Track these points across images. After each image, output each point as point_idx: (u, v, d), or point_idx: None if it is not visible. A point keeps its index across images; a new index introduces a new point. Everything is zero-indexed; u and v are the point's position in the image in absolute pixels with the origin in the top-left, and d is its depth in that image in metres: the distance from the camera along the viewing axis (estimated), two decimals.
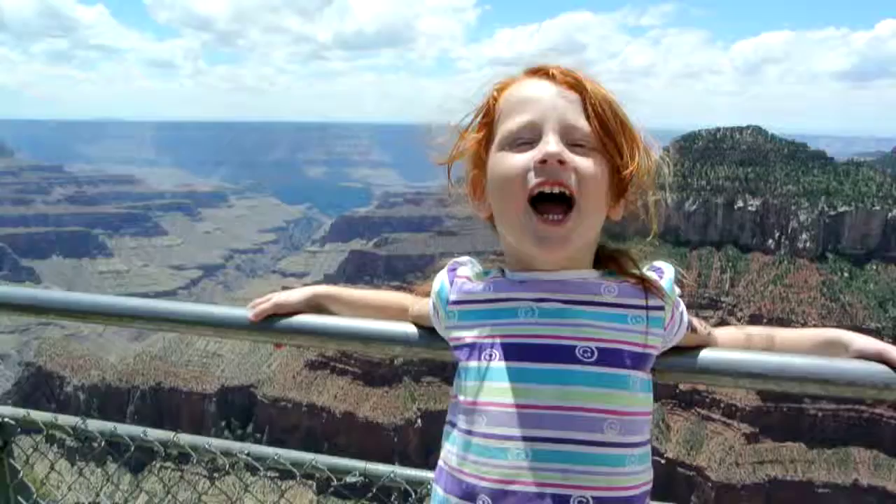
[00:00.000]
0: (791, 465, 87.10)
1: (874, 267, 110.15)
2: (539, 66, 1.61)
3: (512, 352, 1.54)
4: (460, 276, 1.74)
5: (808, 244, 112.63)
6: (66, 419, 2.94)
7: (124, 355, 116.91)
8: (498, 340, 1.57)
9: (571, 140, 1.52)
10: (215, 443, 2.91)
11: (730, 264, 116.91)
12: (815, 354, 1.72)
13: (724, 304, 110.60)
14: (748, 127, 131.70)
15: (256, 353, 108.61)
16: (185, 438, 2.83)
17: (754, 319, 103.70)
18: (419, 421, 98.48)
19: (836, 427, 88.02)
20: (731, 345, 1.80)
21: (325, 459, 2.72)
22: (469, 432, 1.57)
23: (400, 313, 2.03)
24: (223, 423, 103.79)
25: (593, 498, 1.46)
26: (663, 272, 1.67)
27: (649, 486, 1.56)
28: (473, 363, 1.60)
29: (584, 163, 1.50)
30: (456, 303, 1.70)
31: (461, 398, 1.62)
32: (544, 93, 1.56)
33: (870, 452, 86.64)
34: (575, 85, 1.56)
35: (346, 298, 2.12)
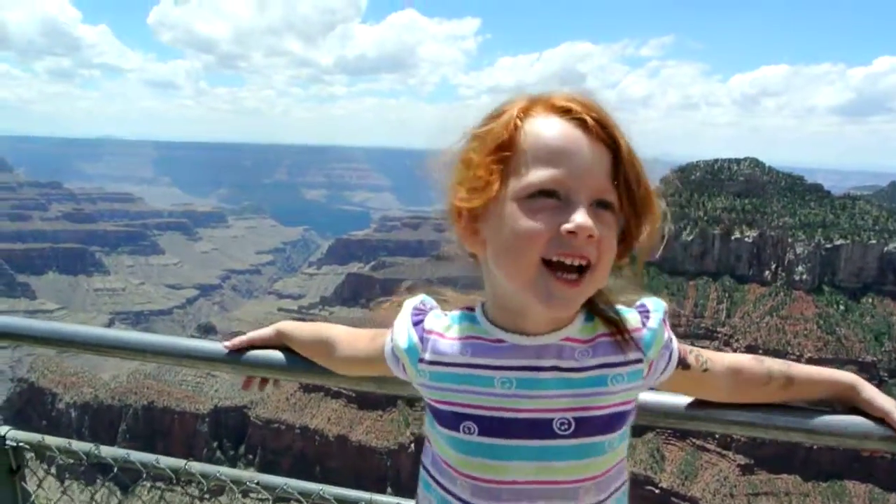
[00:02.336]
0: (786, 498, 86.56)
1: (870, 300, 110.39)
2: (568, 103, 1.42)
3: (489, 427, 1.47)
4: (429, 330, 1.58)
5: (804, 276, 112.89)
6: (79, 445, 2.98)
7: (118, 373, 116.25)
8: (475, 412, 1.48)
9: (596, 201, 1.38)
10: (225, 471, 2.91)
11: (726, 295, 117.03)
12: (827, 395, 1.76)
13: (720, 335, 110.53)
14: (745, 159, 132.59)
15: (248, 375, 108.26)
16: (196, 467, 2.88)
17: (750, 350, 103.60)
18: (412, 446, 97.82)
19: (831, 460, 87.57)
20: (747, 377, 1.72)
21: (332, 490, 2.72)
22: (451, 493, 1.55)
23: (353, 359, 1.88)
24: (215, 444, 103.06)
25: None
26: (649, 313, 1.56)
27: None
28: (450, 432, 1.52)
29: (608, 233, 1.38)
30: (428, 363, 1.56)
31: (439, 455, 1.58)
32: (578, 148, 1.38)
33: (865, 486, 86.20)
34: (609, 143, 1.40)
35: (299, 339, 2.05)
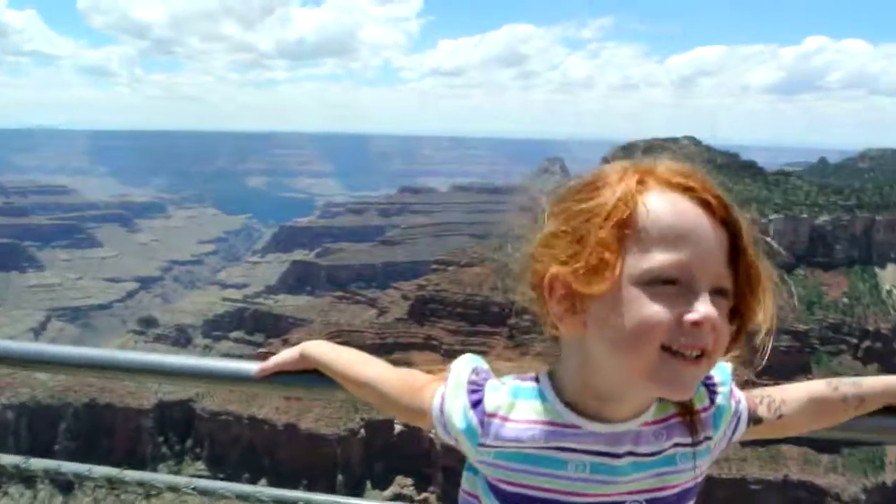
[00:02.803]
0: (725, 464, 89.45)
1: (801, 272, 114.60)
2: (687, 180, 1.33)
3: None
4: (491, 413, 1.44)
5: None
6: (8, 459, 2.95)
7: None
8: (544, 495, 1.39)
9: (717, 289, 1.29)
10: (161, 478, 2.95)
11: None
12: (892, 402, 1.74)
13: None
14: (683, 137, 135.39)
15: None
16: (131, 475, 2.90)
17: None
18: (363, 431, 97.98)
19: None
20: (822, 409, 1.71)
21: (268, 491, 2.79)
22: None
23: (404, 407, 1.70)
24: (161, 439, 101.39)
25: None
26: (716, 387, 1.52)
27: None
28: None
29: (723, 322, 1.29)
30: (492, 446, 1.43)
31: None
32: (702, 230, 1.28)
33: (799, 449, 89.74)
34: (730, 223, 1.32)
35: (333, 370, 1.90)
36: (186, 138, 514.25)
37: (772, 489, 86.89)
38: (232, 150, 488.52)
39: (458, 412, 1.46)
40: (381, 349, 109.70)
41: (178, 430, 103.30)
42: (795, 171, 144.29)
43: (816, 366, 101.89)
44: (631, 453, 1.40)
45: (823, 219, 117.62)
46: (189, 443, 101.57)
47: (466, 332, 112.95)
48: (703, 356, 1.27)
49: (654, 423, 1.43)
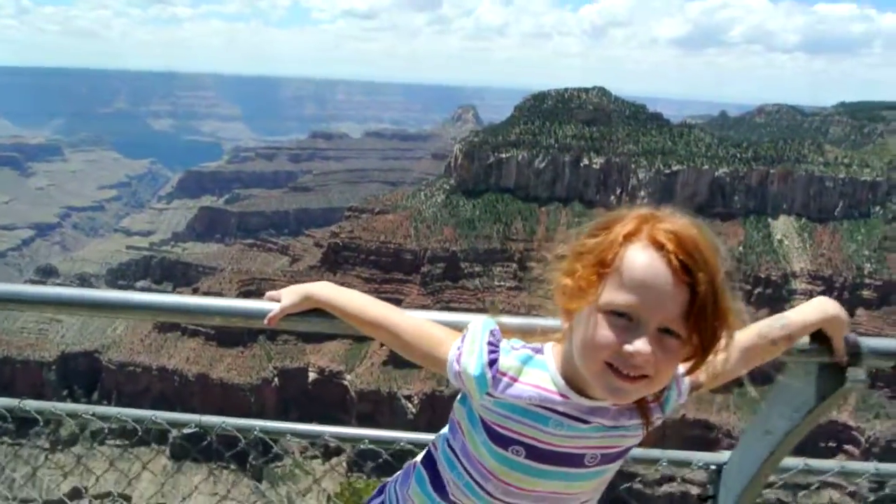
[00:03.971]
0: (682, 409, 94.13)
1: (702, 222, 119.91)
2: (666, 240, 1.69)
3: (534, 454, 1.86)
4: (503, 371, 1.86)
5: (645, 200, 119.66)
6: None
7: None
8: (525, 440, 1.86)
9: (665, 329, 1.67)
10: (60, 406, 3.17)
11: (576, 219, 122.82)
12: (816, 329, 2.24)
13: None
14: (594, 88, 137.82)
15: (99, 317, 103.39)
16: (31, 404, 3.12)
17: None
18: (276, 380, 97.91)
19: None
20: (756, 353, 2.14)
21: (163, 415, 3.06)
22: (481, 486, 1.96)
23: (428, 355, 2.07)
24: (65, 392, 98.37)
25: None
26: (680, 377, 1.94)
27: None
28: (498, 449, 1.89)
29: (667, 356, 1.67)
30: (496, 398, 1.87)
31: (475, 455, 1.95)
32: (659, 284, 1.65)
33: (767, 394, 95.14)
34: (689, 283, 1.65)
35: (356, 311, 2.22)
36: (83, 76, 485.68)
37: (668, 428, 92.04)
38: (133, 91, 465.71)
39: (474, 365, 1.88)
40: None
41: (83, 383, 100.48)
42: (698, 124, 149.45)
43: None
44: (600, 422, 1.86)
45: (723, 170, 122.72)
46: (95, 395, 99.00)
47: (380, 280, 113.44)
48: (645, 377, 1.68)
49: (625, 408, 1.87)
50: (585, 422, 1.84)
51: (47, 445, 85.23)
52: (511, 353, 1.89)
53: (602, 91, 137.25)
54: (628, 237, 1.72)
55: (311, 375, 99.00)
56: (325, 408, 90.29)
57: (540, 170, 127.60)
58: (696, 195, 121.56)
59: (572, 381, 1.84)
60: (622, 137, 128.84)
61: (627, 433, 1.90)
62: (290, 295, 2.31)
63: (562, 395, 1.84)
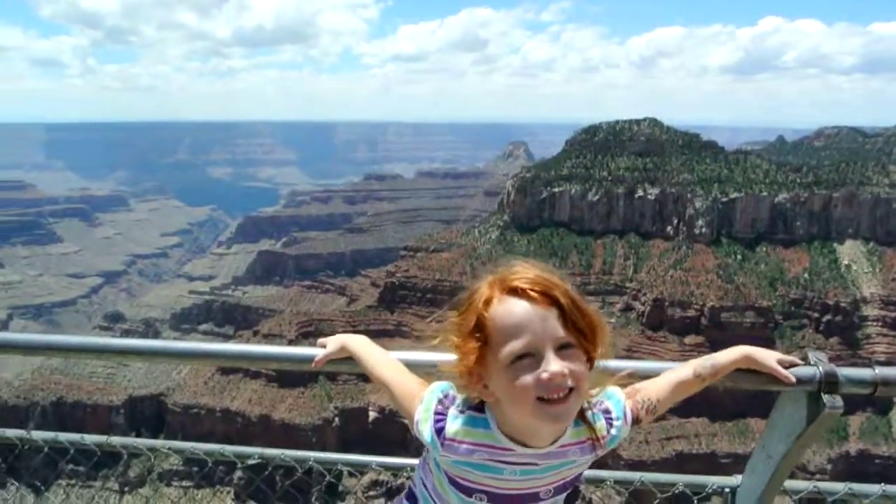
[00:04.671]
0: (696, 439, 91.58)
1: (764, 249, 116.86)
2: (519, 283, 2.03)
3: (496, 499, 2.18)
4: (450, 438, 2.19)
5: (703, 230, 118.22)
6: (12, 432, 3.44)
7: (21, 371, 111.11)
8: (487, 489, 2.18)
9: (561, 346, 1.99)
10: (140, 441, 3.59)
11: (632, 251, 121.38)
12: (738, 367, 2.75)
13: (628, 290, 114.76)
14: (645, 119, 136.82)
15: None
16: (116, 440, 3.52)
17: (657, 303, 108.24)
18: (336, 419, 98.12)
19: (734, 401, 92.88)
20: (685, 388, 2.61)
21: (229, 448, 3.66)
22: None
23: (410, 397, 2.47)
24: (133, 434, 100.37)
25: None
26: (612, 420, 2.27)
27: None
28: (463, 496, 2.23)
29: (575, 365, 2.00)
30: (449, 456, 2.22)
31: (442, 494, 2.29)
32: (533, 317, 1.98)
33: (765, 421, 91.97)
34: (552, 302, 2.00)
35: (368, 368, 2.74)
36: (145, 130, 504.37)
37: (742, 462, 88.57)
38: (193, 141, 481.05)
39: (426, 433, 2.22)
40: None
41: (149, 426, 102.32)
42: (754, 150, 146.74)
43: (780, 340, 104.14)
44: (549, 458, 2.17)
45: (783, 196, 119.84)
46: (162, 437, 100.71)
47: (437, 319, 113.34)
48: (571, 392, 2.00)
49: (571, 444, 2.18)
50: (537, 464, 2.14)
51: (116, 487, 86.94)
52: (457, 420, 2.19)
53: (654, 122, 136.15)
54: (487, 303, 2.04)
55: (372, 414, 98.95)
56: (386, 445, 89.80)
57: (594, 203, 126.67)
58: (756, 222, 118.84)
59: (513, 436, 2.12)
60: (677, 167, 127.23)
61: (574, 465, 2.20)
62: (333, 343, 2.87)
63: (507, 450, 2.13)
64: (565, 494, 2.28)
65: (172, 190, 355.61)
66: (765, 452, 2.94)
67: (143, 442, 3.57)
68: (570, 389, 1.99)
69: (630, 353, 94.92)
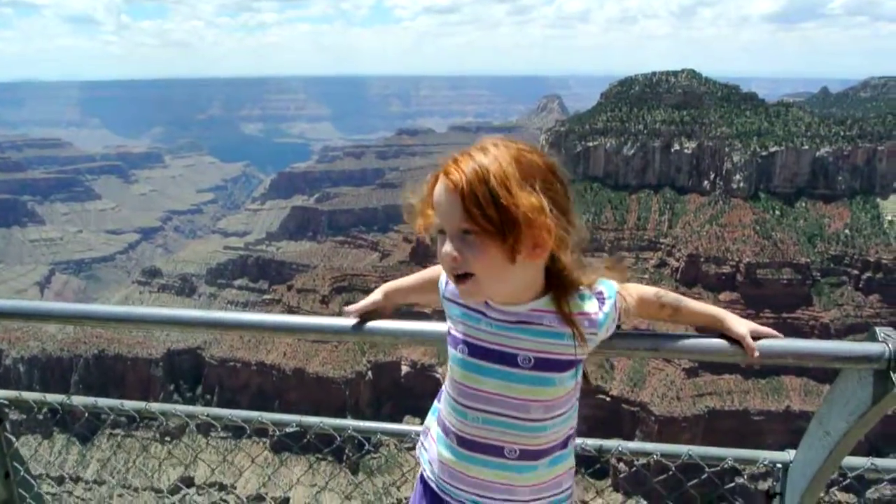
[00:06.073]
0: (728, 397, 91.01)
1: (803, 204, 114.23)
2: (447, 166, 2.12)
3: (474, 350, 2.27)
4: (448, 281, 2.36)
5: (741, 184, 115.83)
6: (53, 397, 3.58)
7: (63, 325, 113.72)
8: (467, 339, 2.28)
9: (461, 231, 2.08)
10: (180, 408, 3.57)
11: (667, 206, 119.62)
12: (705, 324, 2.49)
13: (663, 245, 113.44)
14: (683, 70, 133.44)
15: None
16: (156, 406, 3.57)
17: (692, 259, 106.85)
18: (369, 374, 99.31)
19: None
20: (647, 303, 2.48)
21: (267, 416, 3.46)
22: (453, 399, 2.35)
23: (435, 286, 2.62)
24: (171, 387, 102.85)
25: (519, 449, 2.28)
26: (605, 300, 2.29)
27: (568, 434, 2.37)
28: (453, 350, 2.34)
29: (474, 251, 2.07)
30: (447, 299, 2.40)
31: (450, 375, 2.37)
32: (442, 200, 2.10)
33: (800, 380, 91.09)
34: (456, 190, 2.06)
35: (404, 288, 2.85)
36: (179, 86, 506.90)
37: (774, 419, 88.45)
38: (226, 97, 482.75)
39: (442, 283, 2.46)
40: None
41: (187, 378, 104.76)
42: (796, 102, 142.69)
43: (818, 297, 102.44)
44: (521, 322, 2.21)
45: (825, 150, 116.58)
46: (199, 390, 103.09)
47: None
48: (470, 276, 2.11)
49: (543, 311, 2.22)
50: (510, 322, 2.21)
51: (157, 437, 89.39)
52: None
53: (692, 73, 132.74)
54: (435, 178, 2.18)
55: (404, 369, 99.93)
56: (417, 399, 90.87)
57: (629, 157, 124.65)
58: (796, 176, 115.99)
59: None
60: (715, 120, 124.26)
61: (561, 342, 2.21)
62: (364, 301, 2.88)
63: (484, 305, 2.27)
64: (556, 384, 2.24)
65: (206, 146, 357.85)
66: (822, 429, 2.66)
67: (182, 409, 3.56)
68: (469, 275, 2.11)
69: None
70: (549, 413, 2.26)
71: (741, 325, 2.44)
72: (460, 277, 2.14)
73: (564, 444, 2.38)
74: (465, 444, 2.34)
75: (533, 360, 2.20)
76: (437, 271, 2.58)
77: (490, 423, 2.27)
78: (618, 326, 2.38)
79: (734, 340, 2.44)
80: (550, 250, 2.13)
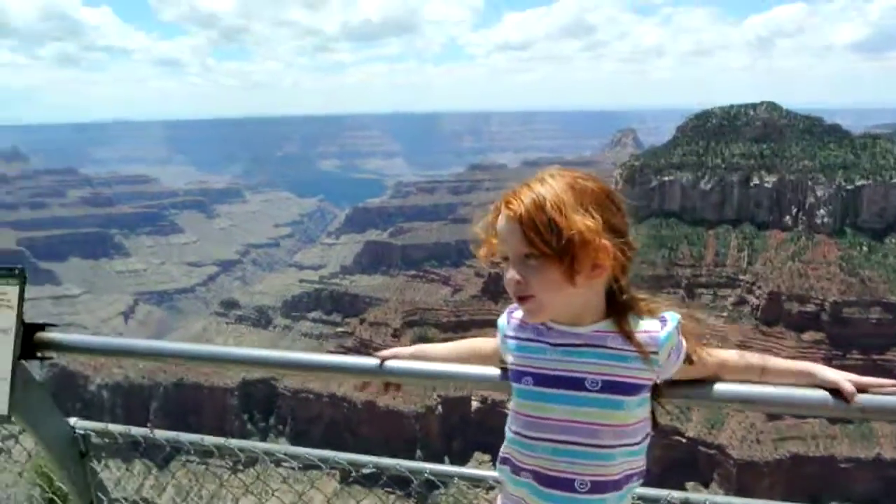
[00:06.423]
0: (813, 441, 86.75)
1: (893, 241, 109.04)
2: (505, 197, 2.27)
3: (540, 380, 2.29)
4: (514, 317, 2.45)
5: (825, 219, 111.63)
6: (137, 430, 3.70)
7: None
8: (532, 370, 2.31)
9: (524, 255, 2.20)
10: (260, 445, 3.69)
11: (747, 242, 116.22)
12: (796, 381, 2.39)
13: (742, 283, 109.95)
14: (762, 103, 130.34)
15: (275, 346, 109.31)
16: (234, 443, 3.67)
17: (773, 297, 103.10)
18: (440, 408, 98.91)
19: None
20: (730, 369, 2.45)
21: (343, 456, 3.48)
22: (517, 433, 2.34)
23: (477, 357, 2.77)
24: (246, 417, 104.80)
25: (590, 482, 2.24)
26: (667, 322, 2.28)
27: (637, 469, 2.31)
28: (517, 384, 2.35)
29: (534, 273, 2.19)
30: (509, 337, 2.44)
31: (512, 409, 2.38)
32: (503, 229, 2.24)
33: (892, 427, 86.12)
34: (515, 217, 2.19)
35: (436, 354, 2.86)
36: (259, 124, 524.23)
37: (863, 467, 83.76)
38: (303, 135, 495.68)
39: (501, 321, 2.53)
40: (456, 326, 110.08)
41: (261, 408, 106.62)
42: (884, 134, 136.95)
43: None
44: (586, 345, 2.26)
45: None
46: (272, 420, 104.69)
47: None
48: (530, 298, 2.23)
49: (605, 332, 2.26)
50: (575, 346, 2.26)
51: (230, 464, 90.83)
52: (517, 308, 2.41)
53: (772, 105, 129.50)
54: (497, 209, 2.30)
55: (474, 404, 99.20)
56: (487, 435, 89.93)
57: (706, 191, 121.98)
58: (885, 211, 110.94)
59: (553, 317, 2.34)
60: (796, 153, 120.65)
61: (626, 364, 2.23)
62: (396, 349, 2.93)
63: (548, 330, 2.33)
64: (625, 407, 2.23)
65: (283, 182, 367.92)
66: None
67: (261, 446, 3.68)
68: (530, 296, 2.22)
69: (743, 348, 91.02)
70: (619, 440, 2.23)
71: (835, 374, 2.34)
72: (523, 299, 2.24)
73: (635, 479, 2.34)
74: (538, 478, 2.30)
75: (600, 383, 2.21)
76: (469, 346, 2.79)
77: (559, 455, 2.25)
78: (689, 361, 2.34)
79: (832, 391, 2.32)
80: (610, 272, 2.20)
